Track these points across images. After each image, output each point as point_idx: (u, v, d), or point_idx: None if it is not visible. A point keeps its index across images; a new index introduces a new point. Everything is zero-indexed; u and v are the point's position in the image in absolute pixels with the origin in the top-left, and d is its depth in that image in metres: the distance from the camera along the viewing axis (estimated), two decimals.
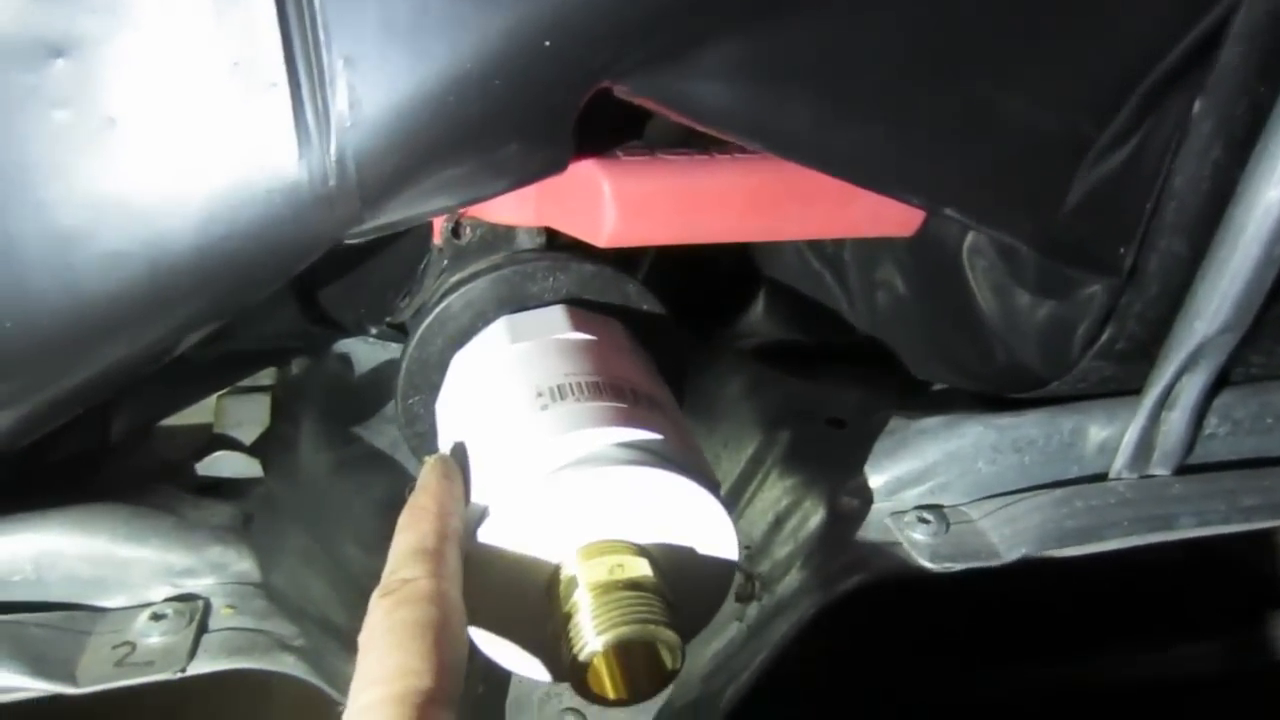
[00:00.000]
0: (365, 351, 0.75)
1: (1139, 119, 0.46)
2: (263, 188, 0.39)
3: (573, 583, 0.41)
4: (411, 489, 0.43)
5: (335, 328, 0.69)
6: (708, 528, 0.43)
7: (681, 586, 0.42)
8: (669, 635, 0.39)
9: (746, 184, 0.51)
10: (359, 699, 0.33)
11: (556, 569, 0.42)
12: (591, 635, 0.39)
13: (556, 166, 0.45)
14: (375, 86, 0.38)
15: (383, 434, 0.73)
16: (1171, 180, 0.48)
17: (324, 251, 0.42)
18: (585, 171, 0.50)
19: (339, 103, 0.38)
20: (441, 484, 0.43)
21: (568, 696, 0.66)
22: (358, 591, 0.62)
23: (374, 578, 0.65)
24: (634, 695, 0.41)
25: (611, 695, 0.40)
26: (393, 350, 0.73)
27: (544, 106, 0.41)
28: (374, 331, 0.71)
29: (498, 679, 0.66)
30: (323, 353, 0.74)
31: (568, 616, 0.40)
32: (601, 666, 0.40)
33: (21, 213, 0.38)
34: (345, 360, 0.75)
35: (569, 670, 0.40)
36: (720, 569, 0.45)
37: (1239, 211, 0.48)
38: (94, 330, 0.41)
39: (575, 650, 0.39)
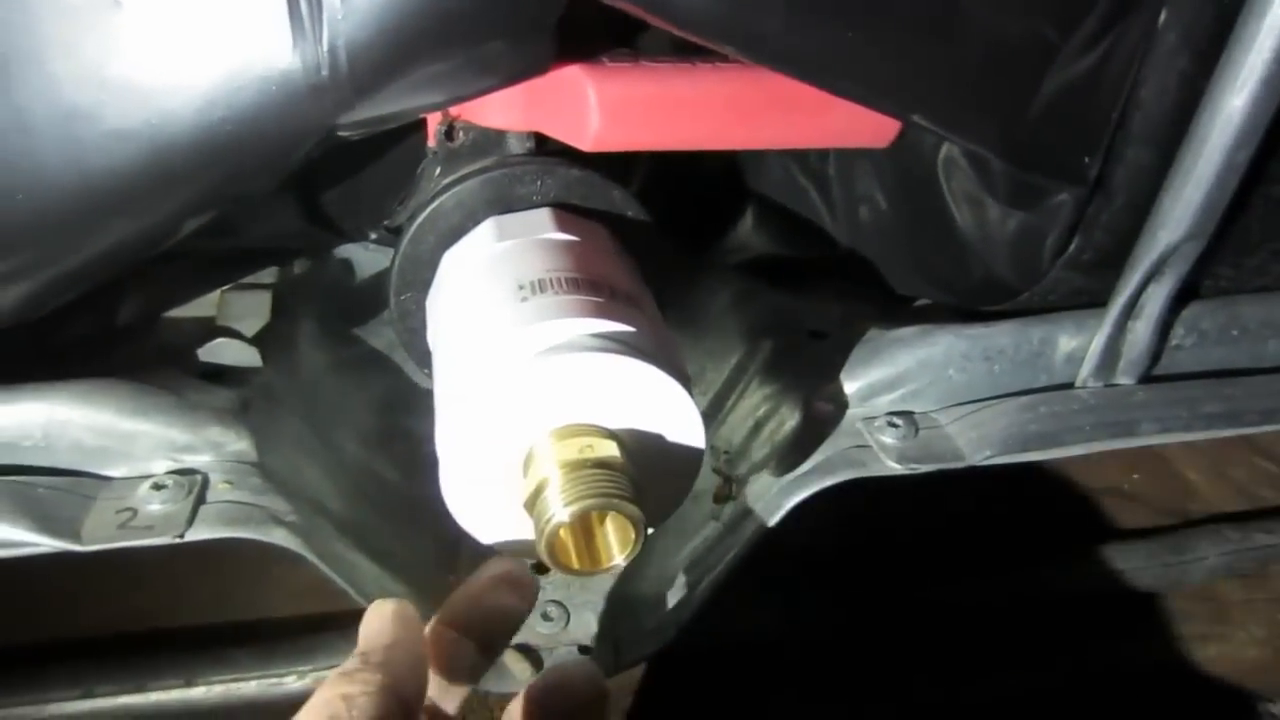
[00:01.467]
0: (366, 257, 0.78)
1: (1104, 27, 0.47)
2: (259, 74, 0.41)
3: (544, 461, 0.43)
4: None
5: (336, 231, 0.72)
6: (676, 417, 0.46)
7: (649, 472, 0.45)
8: (632, 509, 0.42)
9: (726, 91, 0.52)
10: None
11: (531, 449, 0.45)
12: (559, 507, 0.41)
13: (539, 67, 0.47)
14: None
15: (380, 336, 0.75)
16: (1137, 90, 0.49)
17: (319, 141, 0.44)
18: (571, 76, 0.51)
19: None
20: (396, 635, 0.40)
21: (551, 589, 0.69)
22: (351, 481, 0.65)
23: (370, 468, 0.68)
24: (597, 566, 0.44)
25: (576, 565, 0.43)
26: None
27: (528, 4, 0.43)
28: (373, 236, 0.73)
29: None
30: (325, 256, 0.76)
31: (539, 491, 0.43)
32: (568, 537, 0.43)
33: (32, 88, 0.40)
34: (346, 265, 0.77)
35: (538, 540, 0.42)
36: (687, 456, 0.47)
37: (1203, 120, 0.49)
38: (98, 206, 0.43)
39: (544, 521, 0.42)
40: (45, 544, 0.47)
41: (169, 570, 0.79)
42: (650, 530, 0.44)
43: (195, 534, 0.50)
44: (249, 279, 0.70)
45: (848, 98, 0.48)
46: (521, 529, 0.45)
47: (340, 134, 0.45)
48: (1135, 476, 1.05)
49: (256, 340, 0.64)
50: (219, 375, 0.60)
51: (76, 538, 0.48)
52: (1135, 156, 0.51)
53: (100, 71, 0.40)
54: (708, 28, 0.45)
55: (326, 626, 0.74)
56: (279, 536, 0.51)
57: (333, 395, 0.69)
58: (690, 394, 0.45)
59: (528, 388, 0.43)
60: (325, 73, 0.41)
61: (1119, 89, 0.49)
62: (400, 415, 0.72)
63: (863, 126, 0.55)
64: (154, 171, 0.42)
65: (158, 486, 0.51)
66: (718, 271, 0.77)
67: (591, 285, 0.48)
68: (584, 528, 0.44)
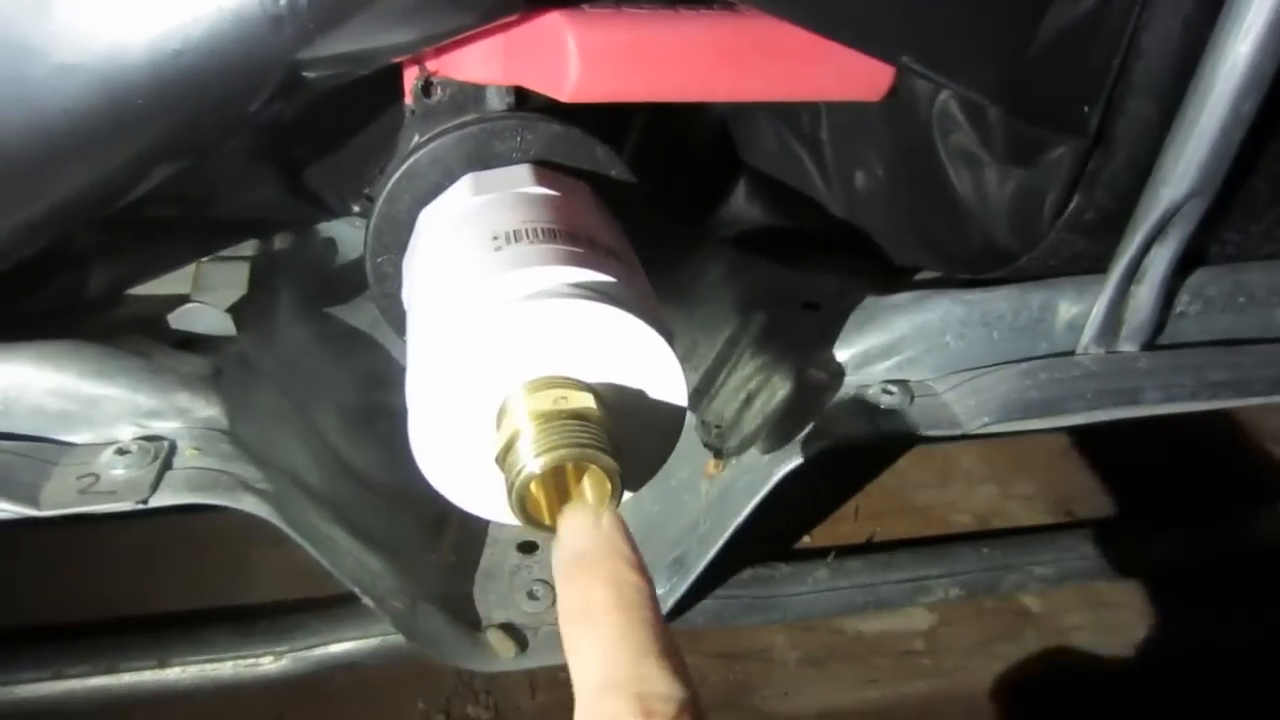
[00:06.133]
0: (351, 234, 0.76)
1: None
2: (214, 4, 0.39)
3: (517, 412, 0.41)
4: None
5: (318, 203, 0.70)
6: (657, 371, 0.44)
7: (629, 428, 0.43)
8: (607, 461, 0.40)
9: (711, 38, 0.50)
10: None
11: (504, 401, 0.43)
12: (530, 458, 0.39)
13: (510, 6, 0.45)
14: None
15: (364, 313, 0.73)
16: (1139, 36, 0.47)
17: (283, 81, 0.43)
18: (550, 24, 0.49)
19: None
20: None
21: (538, 568, 0.67)
22: (330, 456, 0.63)
23: (350, 445, 0.66)
24: None
25: (548, 521, 0.41)
26: None
27: None
28: (356, 209, 0.71)
29: (470, 551, 0.68)
30: (308, 231, 0.74)
31: (510, 443, 0.41)
32: (539, 491, 0.40)
33: None
34: (330, 241, 0.76)
35: (510, 495, 0.40)
36: (669, 413, 0.45)
37: (1207, 68, 0.47)
38: (53, 149, 0.41)
39: (515, 473, 0.40)
40: (1, 509, 0.46)
41: (145, 555, 0.77)
42: (629, 494, 0.42)
43: (160, 499, 0.48)
44: (227, 251, 0.69)
45: (835, 39, 0.46)
46: (494, 487, 0.43)
47: (305, 74, 0.43)
48: None
49: (233, 310, 0.62)
50: (191, 344, 0.58)
51: (34, 503, 0.46)
52: (1137, 108, 0.49)
53: (45, 2, 0.38)
54: None
55: (304, 609, 0.72)
56: (249, 504, 0.49)
57: (312, 369, 0.67)
58: (672, 347, 0.43)
59: (500, 337, 0.41)
60: (284, 2, 0.39)
61: (1120, 34, 0.47)
62: (383, 393, 0.70)
63: (854, 77, 0.52)
64: (110, 109, 0.40)
65: (122, 452, 0.49)
66: (711, 244, 0.75)
67: (570, 236, 0.46)
68: (557, 482, 0.41)
